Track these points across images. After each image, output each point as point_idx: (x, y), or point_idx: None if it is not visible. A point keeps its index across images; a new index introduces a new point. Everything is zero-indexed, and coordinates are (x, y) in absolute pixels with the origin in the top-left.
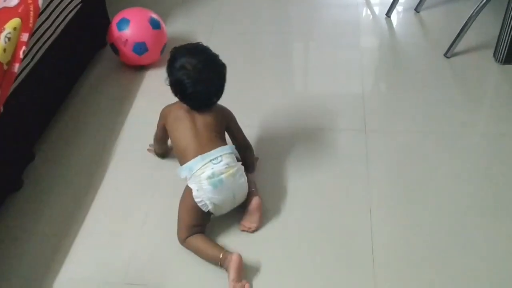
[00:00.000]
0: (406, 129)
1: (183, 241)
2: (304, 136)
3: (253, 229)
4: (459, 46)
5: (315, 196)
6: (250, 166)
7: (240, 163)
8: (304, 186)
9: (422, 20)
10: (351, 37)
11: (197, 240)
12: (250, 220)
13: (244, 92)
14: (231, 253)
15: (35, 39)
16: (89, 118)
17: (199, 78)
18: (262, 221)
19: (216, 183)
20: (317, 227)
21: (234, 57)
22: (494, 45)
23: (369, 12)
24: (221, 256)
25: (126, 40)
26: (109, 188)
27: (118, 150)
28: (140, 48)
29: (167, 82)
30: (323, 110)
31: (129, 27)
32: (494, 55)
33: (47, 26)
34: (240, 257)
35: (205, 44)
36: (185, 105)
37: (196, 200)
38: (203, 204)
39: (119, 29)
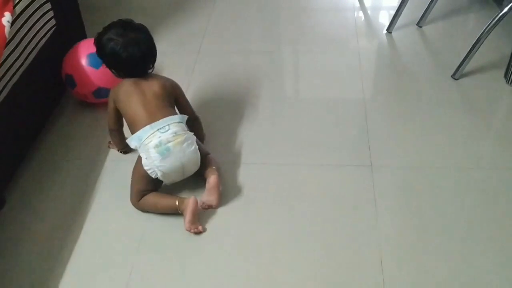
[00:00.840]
0: (413, 164)
1: (136, 204)
2: (302, 174)
3: (213, 207)
4: (468, 66)
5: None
6: (200, 138)
7: (192, 133)
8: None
9: (425, 36)
10: (350, 58)
11: (150, 197)
12: (208, 199)
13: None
14: (186, 198)
15: (2, 72)
16: (63, 160)
17: (127, 40)
18: (221, 198)
19: (163, 151)
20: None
21: (223, 74)
22: (506, 65)
23: (368, 29)
24: (177, 203)
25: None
26: (88, 242)
27: (97, 197)
28: (68, 81)
29: (105, 64)
30: (324, 143)
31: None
32: (505, 76)
33: (17, 55)
34: (195, 200)
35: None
36: (130, 80)
37: (145, 168)
38: (152, 172)
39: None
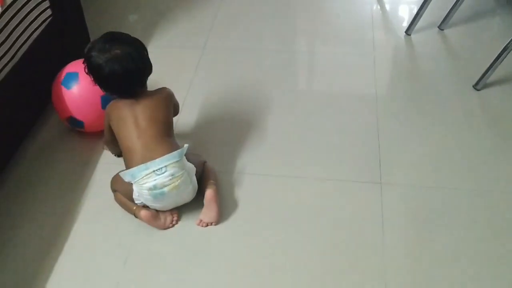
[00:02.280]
0: (425, 184)
1: (112, 191)
2: (307, 188)
3: (213, 224)
4: (492, 76)
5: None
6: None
7: (192, 166)
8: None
9: (447, 40)
10: (364, 62)
11: (119, 195)
12: (208, 215)
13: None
14: (140, 209)
15: None
16: (50, 165)
17: (109, 56)
18: (220, 213)
19: (157, 195)
20: None
21: (229, 72)
22: None
23: (386, 30)
24: (134, 212)
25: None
26: (73, 255)
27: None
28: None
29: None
30: (332, 156)
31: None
32: None
33: (5, 49)
34: (146, 213)
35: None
36: (122, 101)
37: (135, 200)
38: (140, 203)
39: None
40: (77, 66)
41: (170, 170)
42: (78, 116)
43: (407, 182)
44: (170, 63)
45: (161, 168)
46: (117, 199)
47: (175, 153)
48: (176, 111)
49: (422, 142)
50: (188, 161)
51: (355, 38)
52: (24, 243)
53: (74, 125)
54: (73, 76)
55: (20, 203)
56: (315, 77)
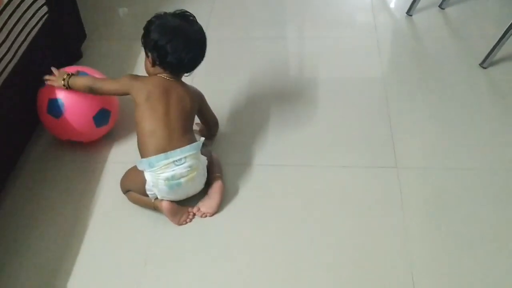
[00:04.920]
0: (440, 165)
1: (123, 192)
2: (320, 177)
3: (208, 215)
4: (498, 54)
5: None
6: (213, 136)
7: (204, 158)
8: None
9: (449, 19)
10: (368, 45)
11: (133, 193)
12: (208, 205)
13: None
14: (160, 201)
15: None
16: (56, 168)
17: (190, 25)
18: (220, 205)
19: (174, 186)
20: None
21: (229, 63)
22: None
23: (386, 12)
24: (153, 204)
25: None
26: (90, 256)
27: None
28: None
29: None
30: (343, 142)
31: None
32: None
33: (5, 49)
34: (167, 203)
35: None
36: (160, 77)
37: (147, 191)
38: (152, 195)
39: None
40: (53, 90)
41: (189, 162)
42: (75, 138)
43: (422, 165)
44: None
45: (181, 159)
46: (131, 198)
47: (194, 144)
48: (212, 124)
49: (432, 123)
50: (201, 153)
51: (356, 22)
52: (40, 250)
53: (75, 142)
54: (56, 103)
55: (30, 209)
56: (319, 64)
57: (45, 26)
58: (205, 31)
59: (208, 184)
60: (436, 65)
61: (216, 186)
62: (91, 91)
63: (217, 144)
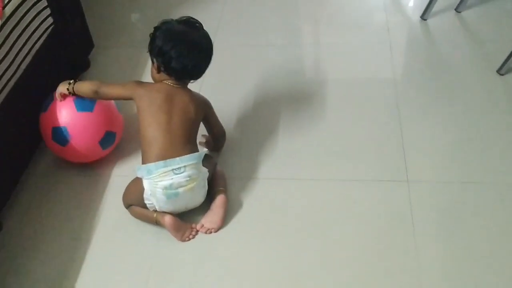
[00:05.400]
0: (454, 179)
1: (125, 206)
2: (327, 191)
3: (212, 231)
4: None
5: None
6: (220, 148)
7: (206, 171)
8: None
9: (465, 23)
10: (380, 49)
11: (135, 208)
12: (211, 220)
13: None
14: (163, 215)
15: None
16: (61, 180)
17: (195, 30)
18: (224, 220)
19: (171, 195)
20: None
21: (237, 70)
22: None
23: (400, 16)
24: (155, 219)
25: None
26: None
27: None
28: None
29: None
30: (352, 155)
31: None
32: None
33: (8, 63)
34: (170, 218)
35: None
36: (164, 84)
37: (145, 201)
38: (151, 206)
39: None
40: (55, 117)
41: (189, 171)
42: (82, 160)
43: (434, 178)
44: None
45: (180, 167)
46: (133, 213)
47: (195, 154)
48: (219, 135)
49: (446, 132)
50: (202, 165)
51: (368, 26)
52: (42, 265)
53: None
54: (61, 131)
55: (33, 224)
56: (329, 70)
57: (50, 38)
58: (214, 37)
59: (211, 199)
60: (451, 71)
61: (220, 201)
62: (96, 94)
63: (223, 156)
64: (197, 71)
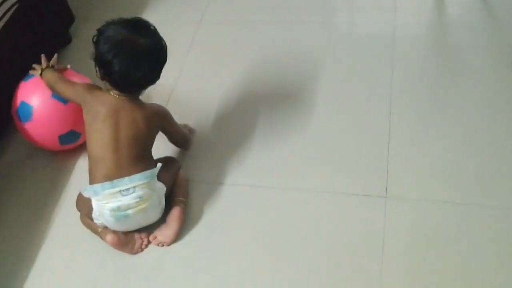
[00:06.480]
0: (437, 197)
1: (78, 211)
2: (299, 202)
3: (165, 245)
4: None
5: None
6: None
7: (162, 186)
8: None
9: (487, 5)
10: (383, 33)
11: (85, 218)
12: (164, 234)
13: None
14: (107, 231)
15: None
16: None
17: (136, 46)
18: (178, 235)
19: (120, 217)
20: None
21: (227, 52)
22: None
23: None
24: (100, 233)
25: None
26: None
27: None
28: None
29: (93, 57)
30: (333, 163)
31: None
32: None
33: None
34: (112, 237)
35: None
36: (110, 94)
37: (94, 219)
38: (100, 224)
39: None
40: (30, 92)
41: (139, 192)
42: (37, 145)
43: (416, 196)
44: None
45: (129, 188)
46: (83, 222)
47: (147, 172)
48: (181, 143)
49: (442, 138)
50: (159, 179)
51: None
52: None
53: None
54: (27, 107)
55: None
56: (319, 63)
57: (21, 10)
58: (203, 11)
59: (170, 207)
60: (461, 59)
61: (175, 213)
62: (52, 89)
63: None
64: (147, 80)
